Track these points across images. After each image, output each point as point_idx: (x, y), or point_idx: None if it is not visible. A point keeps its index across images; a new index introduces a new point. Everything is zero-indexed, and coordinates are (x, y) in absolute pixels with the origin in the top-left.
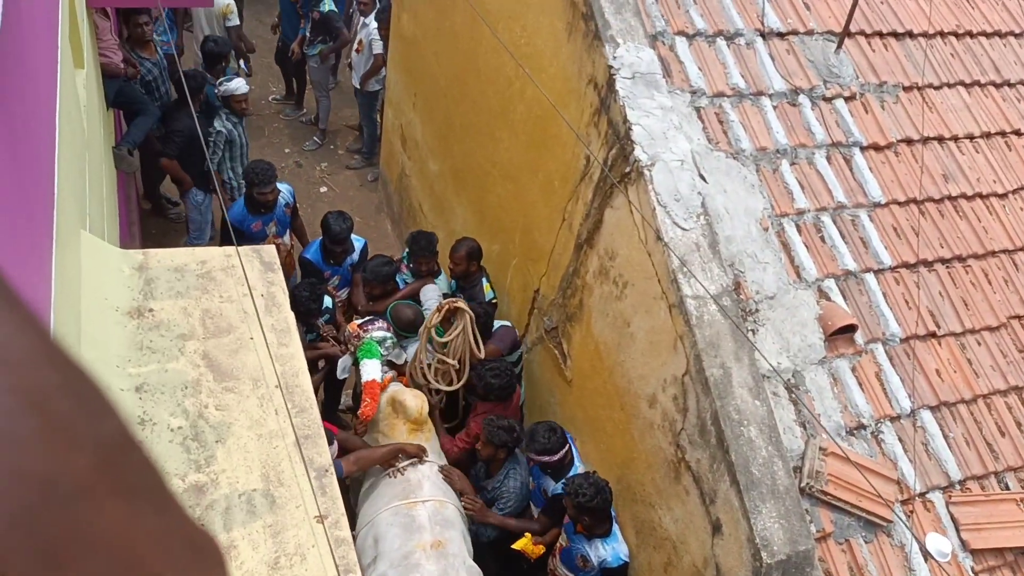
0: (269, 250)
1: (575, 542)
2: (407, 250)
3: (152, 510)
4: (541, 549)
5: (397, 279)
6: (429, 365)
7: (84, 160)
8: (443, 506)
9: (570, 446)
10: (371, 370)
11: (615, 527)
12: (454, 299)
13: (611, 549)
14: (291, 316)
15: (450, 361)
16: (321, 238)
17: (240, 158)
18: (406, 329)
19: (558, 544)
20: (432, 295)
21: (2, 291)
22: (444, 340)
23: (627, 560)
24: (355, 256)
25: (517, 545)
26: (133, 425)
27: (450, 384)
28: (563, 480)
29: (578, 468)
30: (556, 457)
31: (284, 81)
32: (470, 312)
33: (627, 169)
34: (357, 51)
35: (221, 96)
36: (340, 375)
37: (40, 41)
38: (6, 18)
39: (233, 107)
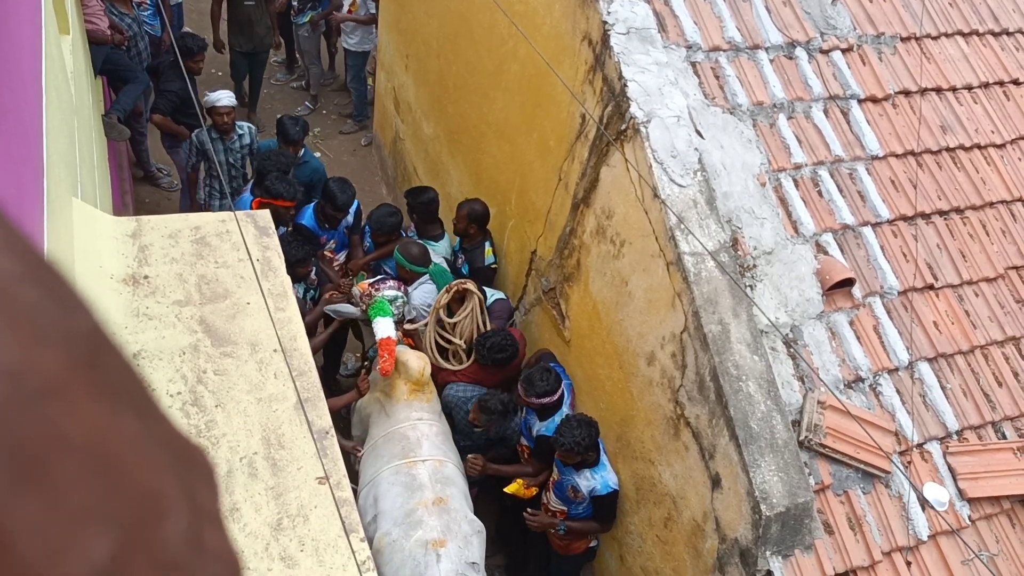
0: (263, 215)
1: (565, 474)
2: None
3: (133, 413)
4: (533, 491)
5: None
6: (440, 347)
7: (73, 127)
8: (442, 464)
9: (562, 383)
10: (385, 327)
11: (603, 456)
12: (464, 280)
13: (600, 478)
14: (287, 280)
15: (457, 341)
16: (315, 203)
17: (217, 177)
18: (415, 263)
19: (551, 478)
20: (422, 297)
21: None
22: (454, 321)
23: (616, 488)
24: (350, 219)
25: (508, 489)
26: (108, 325)
27: (460, 363)
28: (554, 431)
29: (564, 409)
30: (555, 397)
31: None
32: (479, 293)
33: (623, 126)
34: (350, 12)
35: (204, 108)
36: (328, 310)
37: (23, 6)
38: None
39: (215, 120)
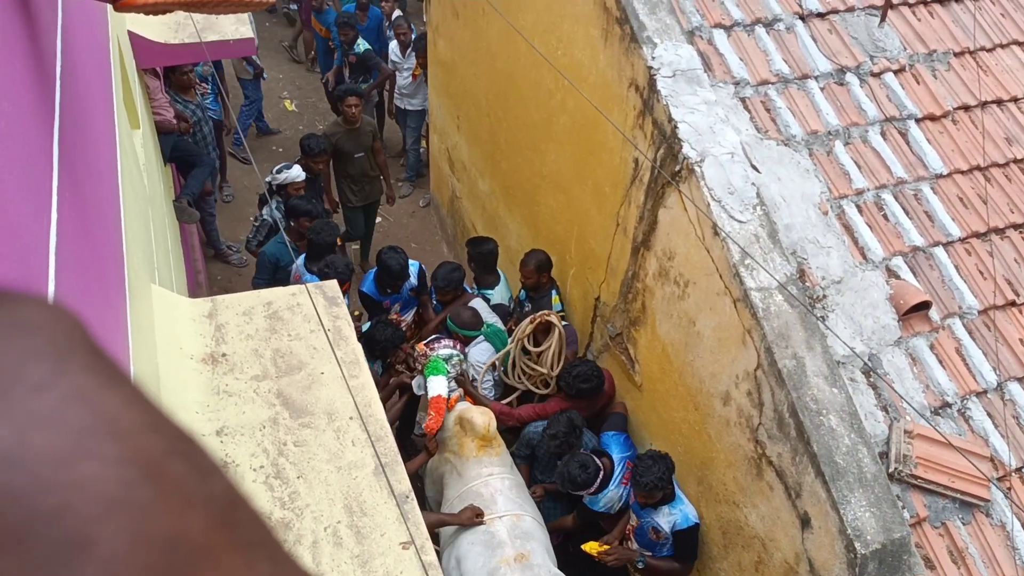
0: (332, 285)
1: (644, 516)
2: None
3: (265, 561)
4: (607, 548)
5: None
6: (523, 371)
7: (148, 217)
8: (520, 519)
9: (602, 471)
10: (437, 386)
11: (677, 490)
12: (547, 311)
13: (680, 512)
14: (359, 348)
15: (543, 370)
16: (375, 270)
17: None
18: (466, 327)
19: (630, 526)
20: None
21: (107, 367)
22: (539, 350)
23: (697, 521)
24: (413, 280)
25: (586, 546)
26: (239, 481)
27: (547, 386)
28: (600, 502)
29: (610, 488)
30: (594, 488)
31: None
32: (559, 325)
33: (677, 168)
34: (414, 76)
35: (277, 185)
36: (417, 392)
37: (97, 108)
38: (65, 89)
39: (291, 195)
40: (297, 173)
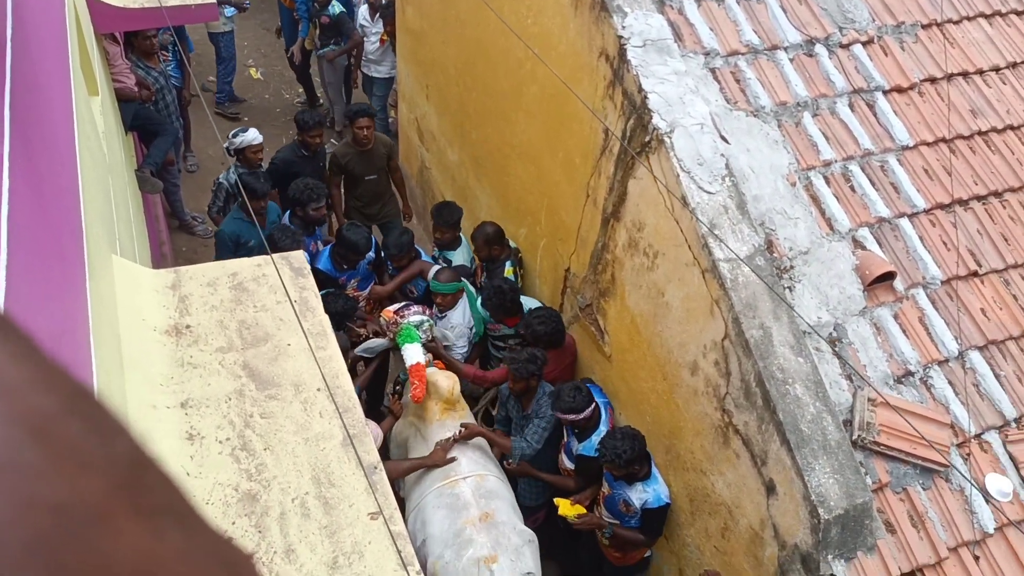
0: (298, 256)
1: (616, 488)
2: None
3: (176, 529)
4: (580, 509)
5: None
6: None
7: (108, 185)
8: (484, 479)
9: (596, 405)
10: (414, 354)
11: (654, 469)
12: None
13: (652, 491)
14: (326, 319)
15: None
16: (330, 246)
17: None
18: (453, 281)
19: (600, 492)
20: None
21: None
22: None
23: (668, 501)
24: (371, 254)
25: (562, 511)
26: (147, 442)
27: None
28: (595, 446)
29: (602, 428)
30: (582, 416)
31: (302, 86)
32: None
33: (647, 138)
34: (381, 43)
35: (235, 149)
36: (360, 352)
37: (52, 71)
38: (16, 53)
39: (249, 159)
40: (253, 136)
